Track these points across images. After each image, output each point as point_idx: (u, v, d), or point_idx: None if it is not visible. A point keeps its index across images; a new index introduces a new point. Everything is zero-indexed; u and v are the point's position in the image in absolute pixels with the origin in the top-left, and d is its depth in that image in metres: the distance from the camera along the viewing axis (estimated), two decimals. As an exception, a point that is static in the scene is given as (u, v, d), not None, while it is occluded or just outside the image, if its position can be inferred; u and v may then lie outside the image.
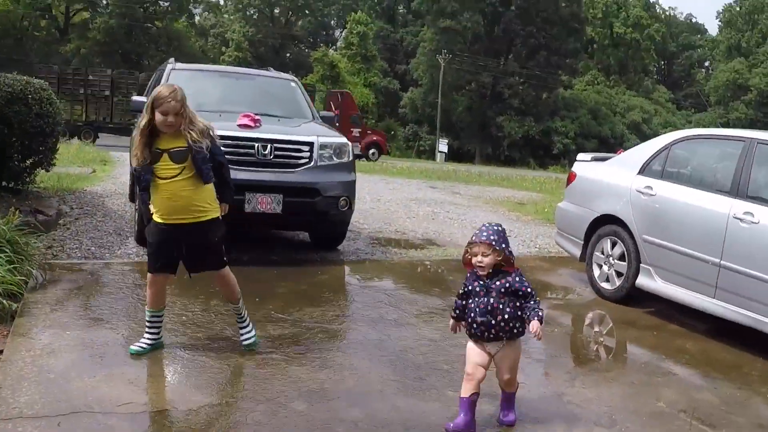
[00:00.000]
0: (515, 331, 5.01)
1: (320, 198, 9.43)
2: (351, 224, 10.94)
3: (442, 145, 62.74)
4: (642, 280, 8.52)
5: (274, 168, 9.30)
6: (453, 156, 65.87)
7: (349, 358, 6.42)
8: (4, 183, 11.27)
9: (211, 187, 6.04)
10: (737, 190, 7.56)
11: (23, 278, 7.29)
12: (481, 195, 19.74)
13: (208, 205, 6.02)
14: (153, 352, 6.06)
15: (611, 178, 9.19)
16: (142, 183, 5.95)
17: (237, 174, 8.87)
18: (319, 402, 5.40)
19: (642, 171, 8.75)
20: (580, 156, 10.30)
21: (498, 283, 5.01)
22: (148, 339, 6.08)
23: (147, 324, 6.12)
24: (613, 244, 8.94)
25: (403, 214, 15.41)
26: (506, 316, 4.95)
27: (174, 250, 6.04)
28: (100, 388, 5.21)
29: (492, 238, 5.01)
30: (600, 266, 9.17)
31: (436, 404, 5.47)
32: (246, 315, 6.40)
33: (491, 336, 5.01)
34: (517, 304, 4.98)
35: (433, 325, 7.42)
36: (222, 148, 6.28)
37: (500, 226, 5.17)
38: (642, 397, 6.00)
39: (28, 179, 12.09)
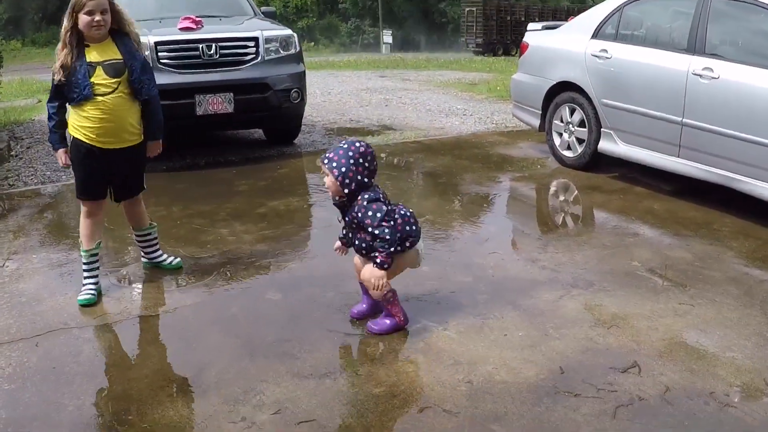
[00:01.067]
0: (366, 253, 4.61)
1: (271, 92, 9.37)
2: (304, 118, 10.86)
3: (387, 37, 62.13)
4: (604, 145, 8.48)
5: (221, 67, 9.17)
6: (398, 47, 65.31)
7: (319, 245, 6.46)
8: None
9: (139, 106, 5.35)
10: (694, 46, 7.45)
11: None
12: (432, 79, 19.60)
13: (139, 126, 5.40)
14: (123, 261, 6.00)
15: (565, 45, 9.07)
16: (74, 95, 5.08)
17: (185, 78, 8.81)
18: (294, 290, 5.44)
19: (596, 35, 8.62)
20: (531, 26, 10.16)
21: (349, 215, 4.58)
22: (91, 285, 5.38)
23: (85, 267, 5.42)
24: (572, 111, 8.87)
25: (356, 104, 15.26)
26: (363, 252, 4.64)
27: (106, 176, 5.41)
28: (73, 304, 5.15)
29: (327, 157, 4.47)
30: (560, 134, 9.13)
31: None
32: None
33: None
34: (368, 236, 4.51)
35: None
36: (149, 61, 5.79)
37: (356, 144, 4.49)
38: (615, 258, 6.02)
39: (-27, 117, 11.91)
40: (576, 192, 8.17)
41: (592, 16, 8.94)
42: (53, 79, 5.10)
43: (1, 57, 12.14)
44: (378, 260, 4.41)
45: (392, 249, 4.40)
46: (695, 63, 7.32)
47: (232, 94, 9.01)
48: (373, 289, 4.50)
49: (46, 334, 4.78)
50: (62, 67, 5.04)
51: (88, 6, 4.97)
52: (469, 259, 5.95)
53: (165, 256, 5.95)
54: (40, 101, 16.60)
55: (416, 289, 5.23)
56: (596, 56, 8.48)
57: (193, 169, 9.26)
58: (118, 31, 5.20)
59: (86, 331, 4.80)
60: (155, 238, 5.90)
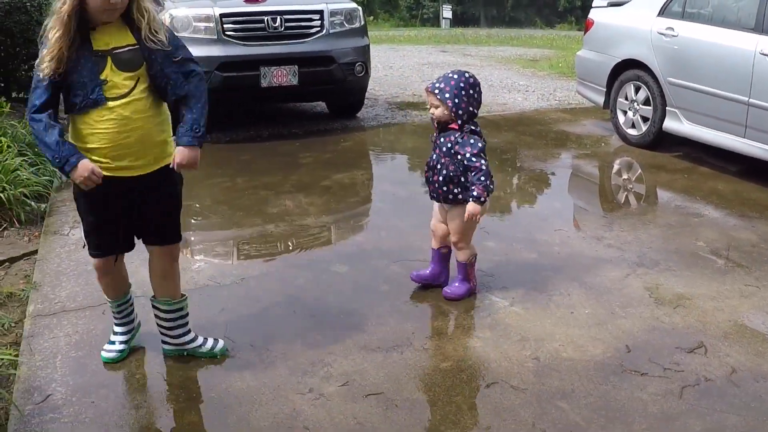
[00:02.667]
0: (450, 196, 4.65)
1: (335, 65, 9.34)
2: (366, 92, 10.80)
3: (446, 11, 61.76)
4: (669, 124, 8.37)
5: (286, 40, 9.15)
6: (458, 22, 64.88)
7: (384, 218, 6.45)
8: (14, 94, 11.16)
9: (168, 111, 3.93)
10: (762, 26, 7.32)
11: (48, 178, 7.29)
12: (493, 55, 19.44)
13: (168, 138, 3.90)
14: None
15: (631, 22, 8.93)
16: (78, 101, 3.61)
17: (250, 50, 8.82)
18: (360, 263, 5.46)
19: (662, 12, 8.49)
20: (596, 2, 10.04)
21: (443, 139, 4.63)
22: (121, 337, 4.25)
23: (115, 316, 4.26)
24: (637, 89, 8.76)
25: (417, 78, 15.17)
26: (441, 178, 4.63)
27: (125, 219, 3.94)
28: (140, 272, 5.16)
29: (438, 87, 4.55)
30: (624, 112, 9.02)
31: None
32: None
33: (432, 195, 4.79)
34: (460, 168, 4.55)
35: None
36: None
37: (465, 75, 4.58)
38: (680, 238, 5.96)
39: (37, 87, 11.90)
40: (640, 171, 8.08)
41: (659, -7, 8.81)
42: (38, 76, 3.56)
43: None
44: (475, 193, 4.44)
45: (488, 183, 4.45)
46: (762, 42, 7.18)
47: (296, 66, 9.00)
48: (473, 219, 4.49)
49: (113, 302, 4.84)
50: (56, 58, 3.52)
51: None
52: (534, 236, 5.93)
53: (200, 339, 4.23)
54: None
55: (483, 265, 5.21)
56: (662, 34, 8.35)
57: (257, 141, 9.29)
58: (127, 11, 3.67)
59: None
60: (185, 316, 4.22)
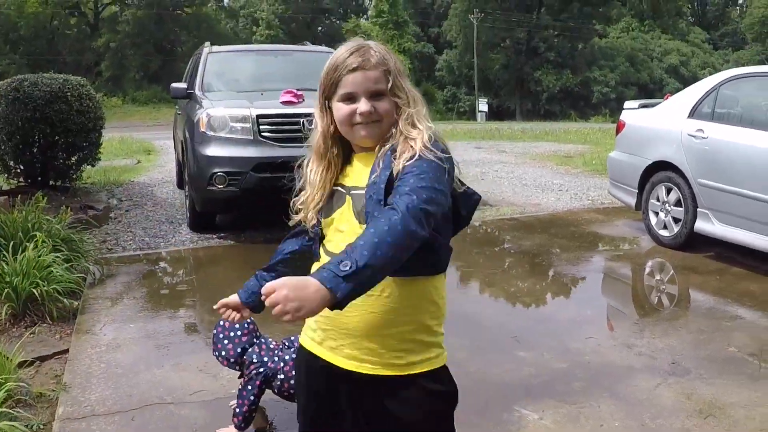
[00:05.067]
0: None
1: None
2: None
3: (482, 105, 62.52)
4: (700, 225, 8.35)
5: None
6: (493, 115, 65.66)
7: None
8: (51, 182, 11.36)
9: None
10: (791, 127, 7.37)
11: (81, 275, 7.37)
12: (527, 151, 19.59)
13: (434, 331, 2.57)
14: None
15: (661, 124, 9.01)
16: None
17: (285, 151, 8.90)
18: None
19: (692, 114, 8.56)
20: (627, 104, 10.15)
21: None
22: None
23: None
24: (668, 191, 8.77)
25: (451, 177, 15.25)
26: None
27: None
28: (170, 378, 5.21)
29: None
30: (656, 213, 9.02)
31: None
32: None
33: None
34: None
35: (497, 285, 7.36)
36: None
37: None
38: (712, 343, 5.89)
39: (74, 176, 12.20)
40: (672, 272, 8.05)
41: (689, 96, 8.89)
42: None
43: (104, 118, 12.44)
44: None
45: None
46: (792, 143, 7.22)
47: (332, 168, 9.01)
48: None
49: (142, 408, 4.83)
50: (307, 205, 2.69)
51: (348, 78, 2.51)
52: (566, 344, 5.88)
53: None
54: (139, 162, 16.94)
55: (513, 375, 5.19)
56: (693, 136, 8.39)
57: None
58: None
59: (183, 407, 4.82)
60: None
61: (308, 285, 2.04)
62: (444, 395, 2.55)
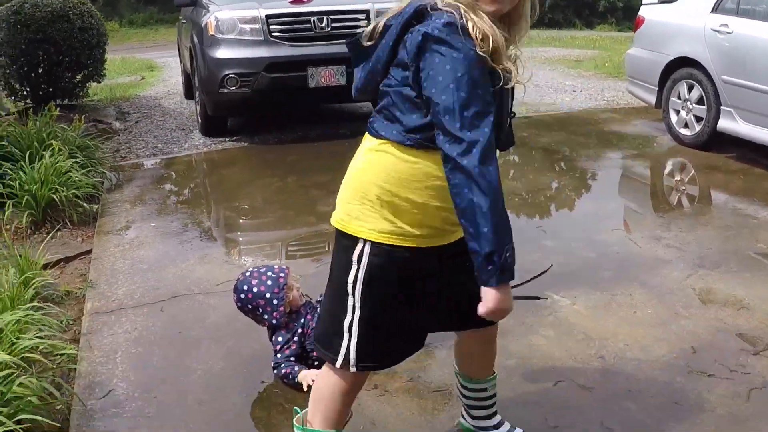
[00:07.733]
0: None
1: (383, 65, 9.21)
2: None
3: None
4: (724, 123, 8.17)
5: (333, 40, 9.08)
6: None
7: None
8: (59, 101, 11.28)
9: None
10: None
11: (98, 180, 7.34)
12: (536, 55, 19.23)
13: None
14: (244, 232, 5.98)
15: (683, 19, 8.78)
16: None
17: (297, 50, 8.82)
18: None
19: (716, 9, 8.32)
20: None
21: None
22: None
23: None
24: (690, 88, 8.59)
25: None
26: None
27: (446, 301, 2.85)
28: (196, 271, 5.20)
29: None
30: (677, 112, 8.84)
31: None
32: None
33: None
34: None
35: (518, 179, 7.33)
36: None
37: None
38: (740, 239, 5.82)
39: (81, 93, 12.11)
40: (694, 172, 7.94)
41: (712, -10, 8.67)
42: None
43: (107, 34, 12.34)
44: None
45: None
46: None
47: (344, 66, 8.92)
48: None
49: (170, 299, 4.86)
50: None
51: None
52: (592, 235, 5.86)
53: (506, 426, 3.32)
54: (143, 78, 16.90)
55: (544, 263, 5.13)
56: (716, 31, 8.18)
57: (305, 142, 9.28)
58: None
59: (211, 297, 4.84)
60: (492, 396, 3.26)
61: (496, 298, 2.40)
62: None
